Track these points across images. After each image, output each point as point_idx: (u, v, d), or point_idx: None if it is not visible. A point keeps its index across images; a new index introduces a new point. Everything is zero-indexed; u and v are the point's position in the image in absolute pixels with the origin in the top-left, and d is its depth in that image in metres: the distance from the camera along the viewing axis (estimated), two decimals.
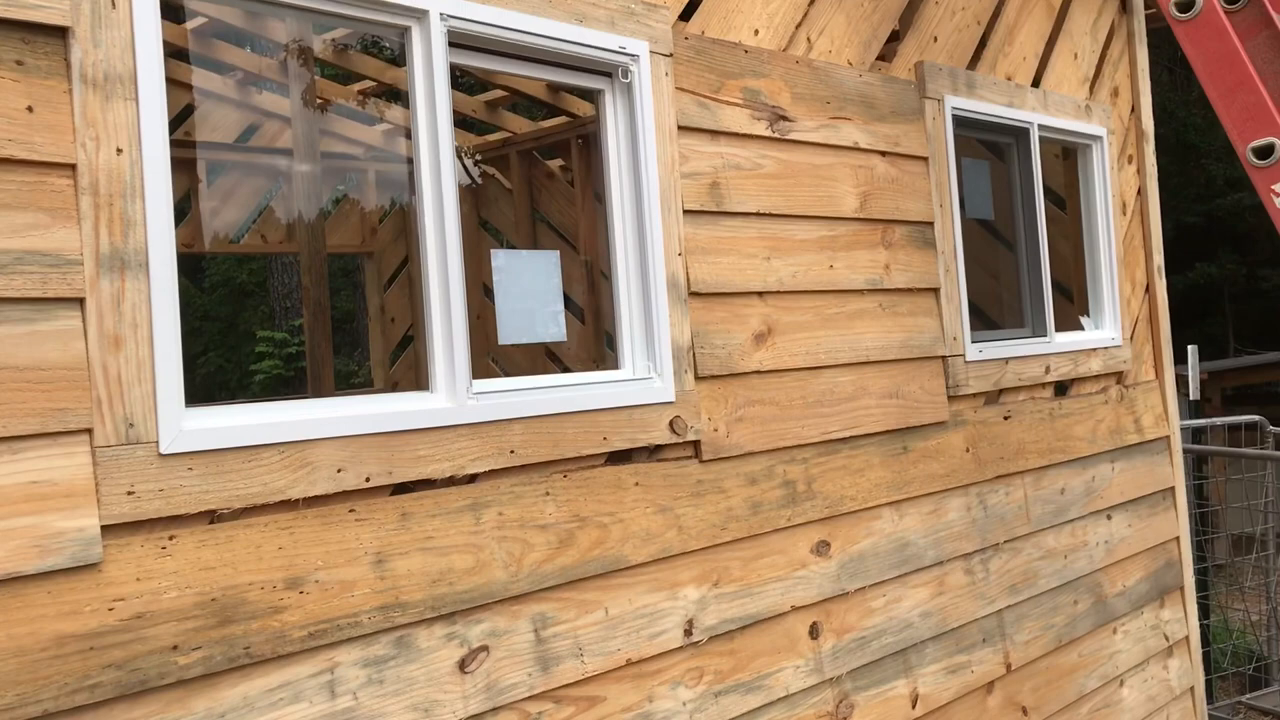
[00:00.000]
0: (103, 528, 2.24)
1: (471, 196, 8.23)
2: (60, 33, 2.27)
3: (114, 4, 2.34)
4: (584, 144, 7.49)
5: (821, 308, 3.93)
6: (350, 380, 12.76)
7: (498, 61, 3.22)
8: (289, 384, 12.40)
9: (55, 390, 2.20)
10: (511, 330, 3.16)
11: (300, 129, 7.76)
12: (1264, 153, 3.29)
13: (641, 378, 3.35)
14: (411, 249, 8.25)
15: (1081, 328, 5.46)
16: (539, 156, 8.07)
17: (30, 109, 2.22)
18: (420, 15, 2.92)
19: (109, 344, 2.29)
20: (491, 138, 7.97)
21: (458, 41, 3.05)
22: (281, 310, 13.76)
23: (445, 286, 2.89)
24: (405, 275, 8.54)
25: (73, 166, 2.27)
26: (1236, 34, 3.39)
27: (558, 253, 3.36)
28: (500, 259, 3.20)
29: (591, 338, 7.50)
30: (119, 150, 2.33)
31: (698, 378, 3.47)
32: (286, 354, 12.62)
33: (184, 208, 7.78)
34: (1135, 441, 5.57)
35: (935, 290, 4.41)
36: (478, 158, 8.10)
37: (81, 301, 2.26)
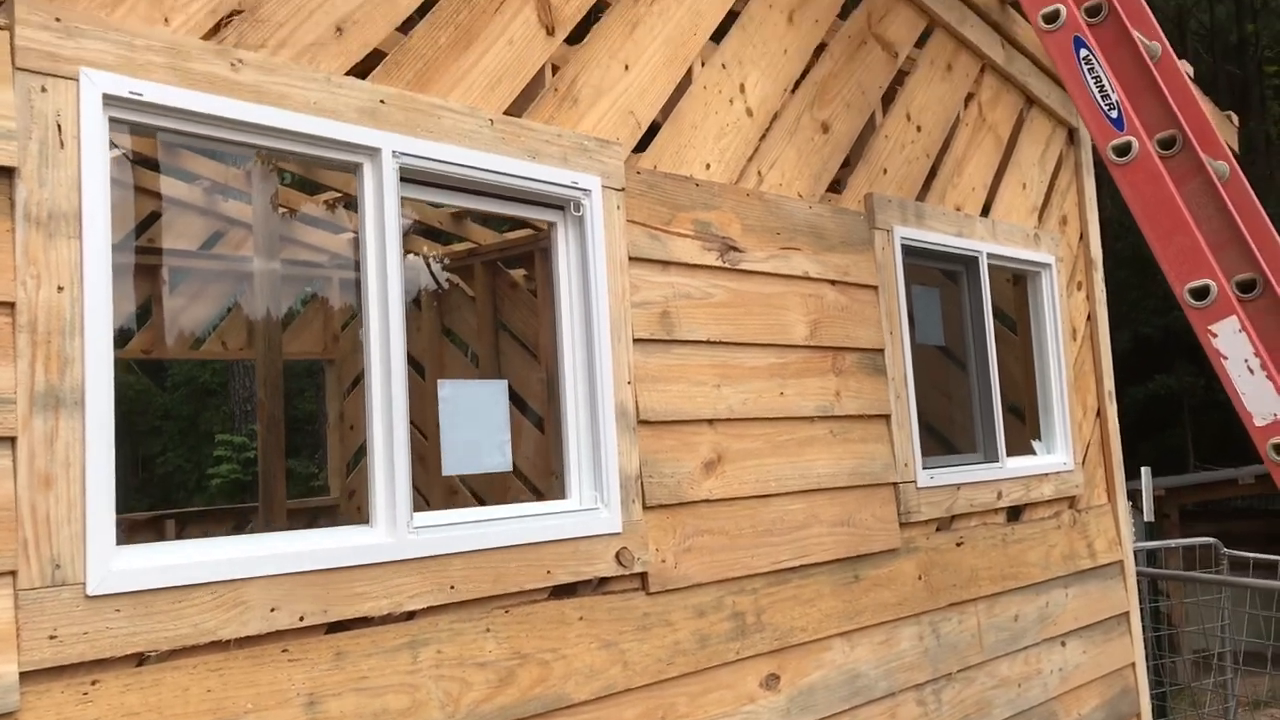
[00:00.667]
0: (21, 674, 2.19)
1: (435, 305, 8.26)
2: (7, 173, 2.29)
3: (62, 144, 2.37)
4: (546, 256, 7.57)
5: (772, 435, 3.95)
6: (309, 483, 12.62)
7: (449, 196, 3.26)
8: (246, 489, 12.26)
9: None
10: (456, 461, 3.15)
11: (264, 236, 7.80)
12: (1200, 294, 3.37)
13: (588, 508, 3.33)
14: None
15: (1034, 451, 5.51)
16: (503, 266, 8.14)
17: None
18: (373, 152, 2.97)
19: (39, 483, 2.26)
20: (457, 248, 8.04)
21: (410, 177, 3.09)
22: (241, 414, 13.67)
23: (389, 424, 2.89)
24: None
25: (11, 305, 2.27)
26: (1172, 179, 3.50)
27: (505, 382, 3.37)
28: (446, 389, 3.20)
29: (549, 448, 7.48)
30: (60, 288, 2.33)
31: (645, 507, 3.46)
32: (245, 459, 12.50)
33: (146, 313, 7.77)
34: (1089, 566, 5.58)
35: (886, 417, 4.44)
36: (445, 261, 8.14)
37: (13, 440, 2.24)
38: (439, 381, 3.18)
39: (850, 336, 4.33)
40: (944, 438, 5.55)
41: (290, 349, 8.41)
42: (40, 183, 2.32)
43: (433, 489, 7.07)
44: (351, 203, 7.86)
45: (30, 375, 2.27)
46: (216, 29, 2.71)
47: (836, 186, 4.61)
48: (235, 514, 9.53)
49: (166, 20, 2.61)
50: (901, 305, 4.60)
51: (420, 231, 7.86)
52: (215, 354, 9.39)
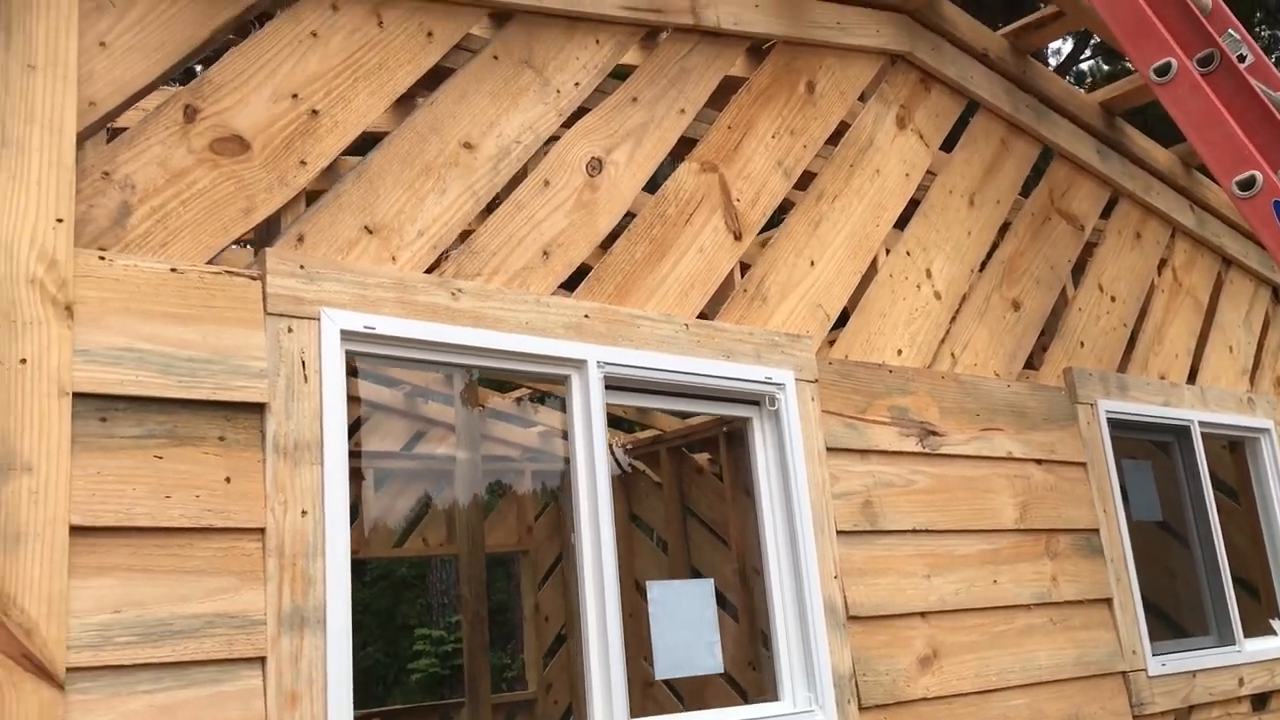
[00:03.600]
0: None
1: (623, 491, 8.37)
2: (258, 408, 2.50)
3: (305, 378, 2.57)
4: (730, 440, 7.61)
5: (988, 625, 3.80)
6: (504, 675, 12.67)
7: (650, 399, 3.37)
8: (444, 683, 12.40)
9: None
10: (668, 664, 3.14)
11: (464, 435, 8.14)
12: (1246, 185, 3.45)
13: (803, 710, 3.25)
14: (568, 571, 8.34)
15: (1274, 630, 5.10)
16: (687, 452, 8.21)
17: (228, 479, 2.42)
18: (579, 364, 3.11)
19: (286, 701, 2.37)
20: (641, 435, 8.18)
21: (613, 384, 3.21)
22: (439, 606, 13.95)
23: (602, 626, 2.92)
24: (559, 573, 8.61)
25: (262, 530, 2.44)
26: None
27: (711, 582, 3.37)
28: (655, 591, 3.22)
29: (745, 638, 7.34)
30: (304, 512, 2.50)
31: (861, 708, 3.35)
32: (443, 652, 12.68)
33: (352, 514, 8.11)
34: None
35: (1108, 600, 4.22)
36: (630, 447, 8.28)
37: (263, 660, 2.37)
38: (648, 584, 3.21)
39: (1062, 517, 4.18)
40: (1171, 620, 5.20)
41: (487, 542, 8.62)
42: (287, 415, 2.52)
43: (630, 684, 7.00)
44: (540, 397, 8.17)
45: (278, 597, 2.41)
46: (437, 263, 2.94)
47: (1032, 363, 4.54)
48: (439, 710, 9.62)
49: (394, 258, 2.85)
50: (1113, 481, 4.42)
51: (607, 422, 8.05)
52: (417, 551, 9.69)
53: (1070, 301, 4.74)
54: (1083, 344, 4.66)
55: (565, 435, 3.17)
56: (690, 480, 8.19)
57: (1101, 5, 3.88)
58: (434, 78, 3.09)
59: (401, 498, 8.82)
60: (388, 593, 16.36)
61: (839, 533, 3.51)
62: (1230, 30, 4.26)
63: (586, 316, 3.15)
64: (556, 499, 8.72)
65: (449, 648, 12.77)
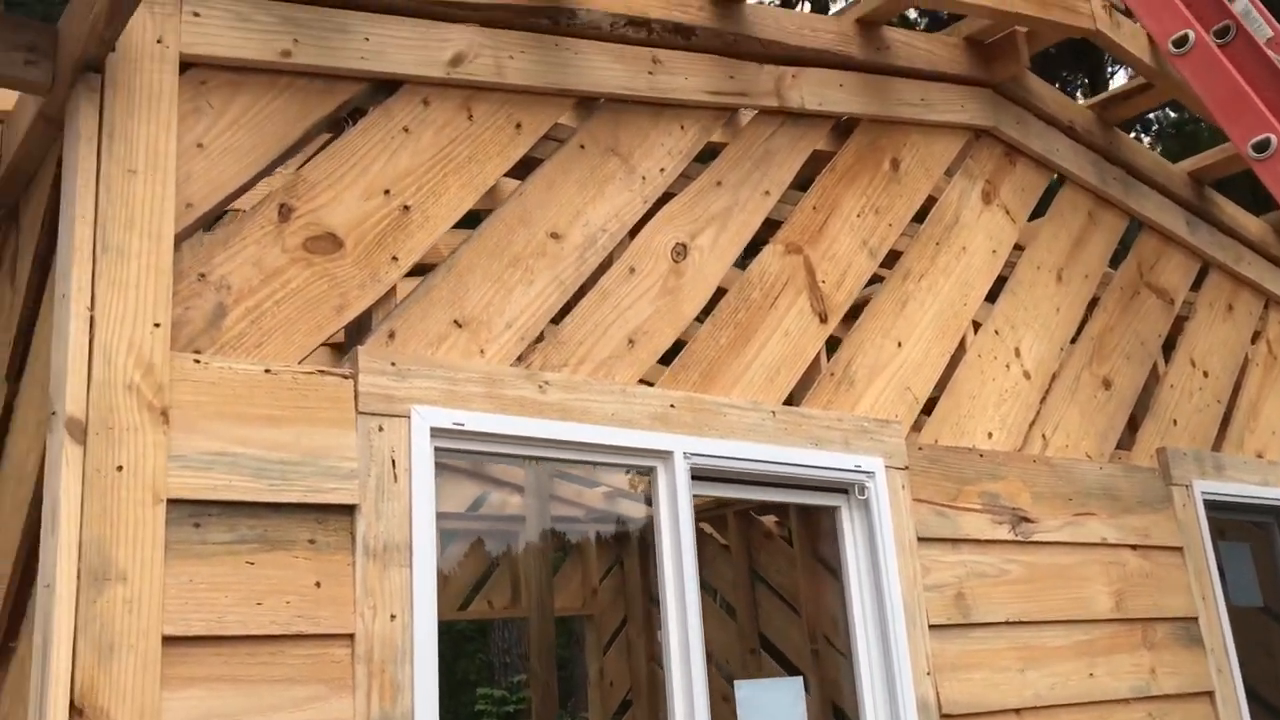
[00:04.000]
0: None
1: (694, 548, 8.24)
2: (349, 510, 2.47)
3: (395, 478, 2.54)
4: (801, 505, 7.48)
5: None
6: None
7: (736, 489, 3.30)
8: None
9: None
10: None
11: (532, 496, 8.10)
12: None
13: None
14: (633, 635, 8.23)
15: None
16: (755, 515, 8.09)
17: (318, 584, 2.39)
18: (665, 456, 3.05)
19: None
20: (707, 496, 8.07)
21: (699, 474, 3.15)
22: (501, 665, 13.85)
23: (690, 713, 2.84)
24: (624, 637, 8.50)
25: (351, 636, 2.39)
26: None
27: (800, 680, 3.28)
28: (744, 691, 3.13)
29: (817, 711, 7.17)
30: (393, 616, 2.45)
31: None
32: (504, 713, 12.57)
33: None
34: None
35: (1209, 693, 4.04)
36: (697, 510, 8.17)
37: None
38: (735, 683, 3.12)
39: (1159, 605, 4.02)
40: (1276, 709, 4.98)
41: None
42: (377, 516, 2.49)
43: None
44: None
45: (366, 705, 2.37)
46: (524, 354, 2.91)
47: (1124, 443, 4.40)
48: None
49: (482, 352, 2.82)
50: (1211, 566, 4.25)
51: None
52: (482, 613, 9.63)
53: (1162, 378, 4.59)
54: (1175, 422, 4.52)
55: (646, 502, 3.12)
56: (759, 545, 8.05)
57: (1195, 77, 3.80)
58: (523, 167, 3.08)
59: (467, 560, 8.78)
60: (449, 647, 16.31)
61: (931, 626, 3.39)
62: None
63: (672, 406, 3.09)
64: (621, 563, 8.62)
65: (511, 708, 12.66)
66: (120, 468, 2.19)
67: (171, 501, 2.24)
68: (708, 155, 3.58)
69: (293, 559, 2.37)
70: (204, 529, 2.28)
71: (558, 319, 3.05)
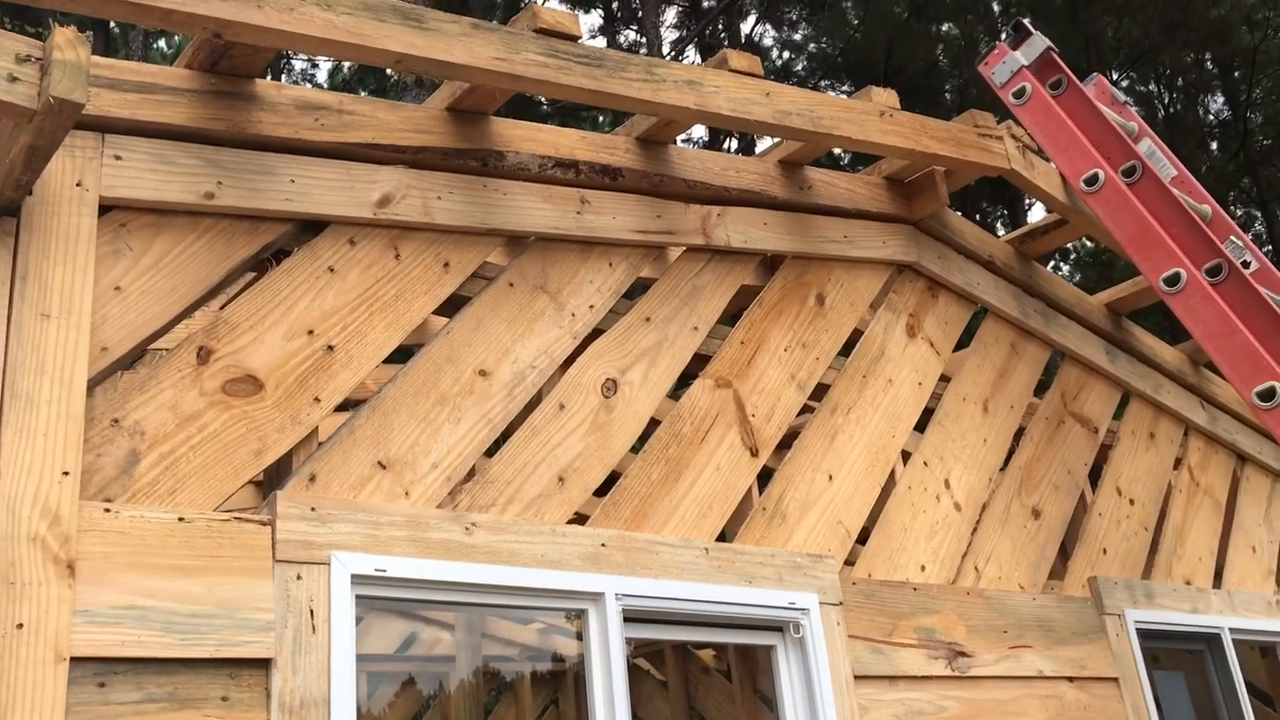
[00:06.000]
0: None
1: (627, 695, 8.05)
2: (264, 664, 2.36)
3: (314, 628, 2.44)
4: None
5: None
6: None
7: (669, 630, 3.23)
8: None
9: None
10: None
11: (460, 633, 7.87)
12: (1267, 396, 3.43)
13: None
14: None
15: None
16: (693, 650, 7.93)
17: None
18: (596, 598, 2.98)
19: None
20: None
21: (632, 616, 3.08)
22: None
23: None
24: None
25: None
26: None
27: None
28: None
29: None
30: None
31: None
32: None
33: None
34: None
35: None
36: (632, 645, 8.00)
37: None
38: None
39: None
40: None
41: None
42: (294, 670, 2.38)
43: None
44: None
45: None
46: (451, 495, 2.85)
47: (1055, 572, 4.41)
48: None
49: (407, 494, 2.76)
50: (1148, 696, 4.23)
51: None
52: None
53: (1090, 507, 4.64)
54: (1105, 550, 4.55)
55: (578, 638, 3.03)
56: (697, 680, 7.88)
57: (1106, 215, 3.94)
58: (451, 305, 3.07)
59: (398, 699, 8.47)
60: None
61: None
62: (1232, 236, 4.33)
63: (604, 545, 3.04)
64: (556, 701, 8.37)
65: None
66: (20, 625, 2.08)
67: (75, 660, 2.13)
68: (637, 290, 3.60)
69: (203, 718, 2.25)
70: (109, 689, 2.16)
71: (487, 456, 3.01)
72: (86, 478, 2.28)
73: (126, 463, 2.36)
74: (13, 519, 2.12)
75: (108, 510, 2.26)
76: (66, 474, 2.21)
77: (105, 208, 2.47)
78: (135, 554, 2.26)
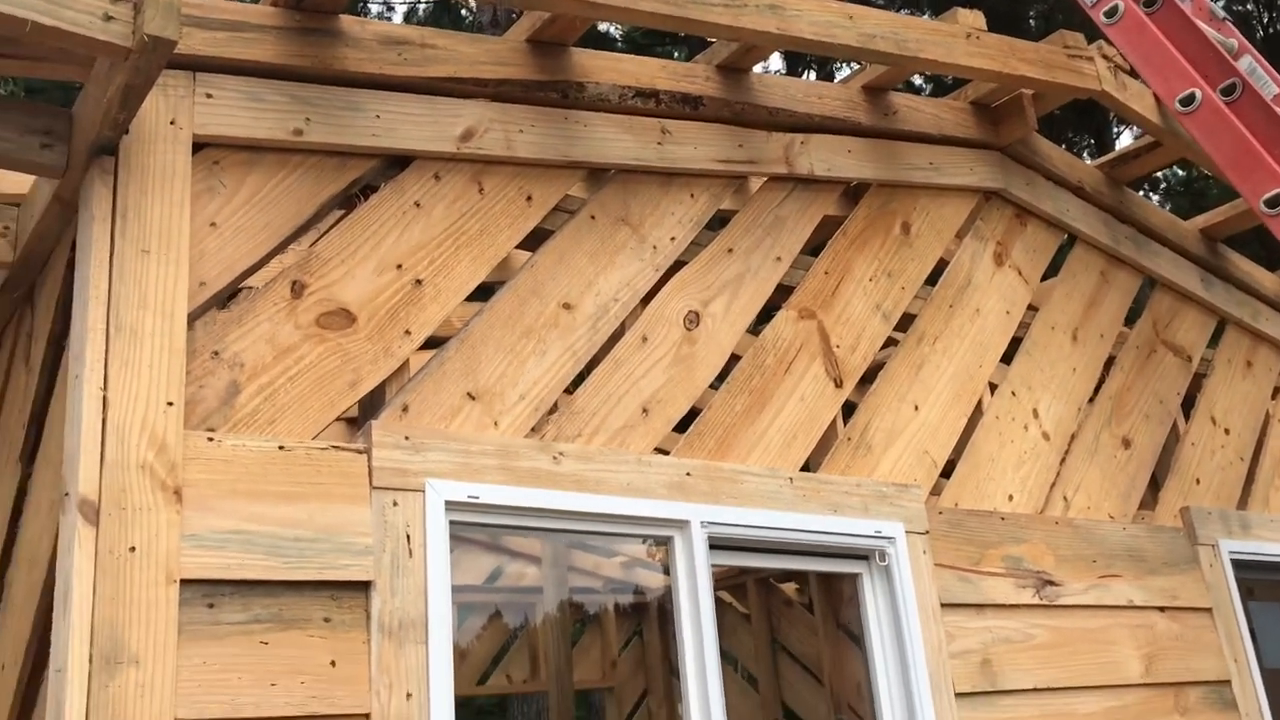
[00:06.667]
0: None
1: (714, 618, 8.13)
2: (364, 587, 2.44)
3: (410, 553, 2.51)
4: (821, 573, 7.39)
5: None
6: None
7: (754, 558, 3.26)
8: None
9: None
10: None
11: (549, 568, 8.00)
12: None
13: None
14: (654, 708, 8.11)
15: None
16: (775, 583, 7.98)
17: (333, 663, 2.35)
18: (682, 525, 3.02)
19: None
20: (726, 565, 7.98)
21: (717, 543, 3.11)
22: None
23: None
24: (644, 710, 8.35)
25: (367, 716, 2.35)
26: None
27: None
28: None
29: None
30: (409, 695, 2.41)
31: None
32: None
33: None
34: None
35: None
36: (716, 579, 8.08)
37: None
38: None
39: (1191, 669, 3.93)
40: None
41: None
42: (393, 592, 2.46)
43: None
44: None
45: None
46: (538, 426, 2.89)
47: (1146, 503, 4.34)
48: None
49: (496, 424, 2.81)
50: (1242, 627, 4.16)
51: None
52: (501, 688, 9.49)
53: (1182, 437, 4.55)
54: (1198, 481, 4.46)
55: (664, 571, 3.07)
56: (779, 613, 7.93)
57: (1203, 135, 3.81)
58: (534, 239, 3.09)
59: (484, 632, 8.67)
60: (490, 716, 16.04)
61: (958, 695, 3.32)
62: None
63: (688, 474, 3.06)
64: (641, 633, 8.50)
65: None
66: (133, 548, 2.17)
67: (185, 582, 2.22)
68: (718, 223, 3.59)
69: (308, 638, 2.34)
70: (218, 609, 2.25)
71: (571, 389, 3.04)
72: (190, 408, 2.36)
73: (227, 394, 2.43)
74: (122, 447, 2.21)
75: (211, 439, 2.34)
76: (171, 404, 2.29)
77: (198, 145, 2.53)
78: (239, 481, 2.34)
